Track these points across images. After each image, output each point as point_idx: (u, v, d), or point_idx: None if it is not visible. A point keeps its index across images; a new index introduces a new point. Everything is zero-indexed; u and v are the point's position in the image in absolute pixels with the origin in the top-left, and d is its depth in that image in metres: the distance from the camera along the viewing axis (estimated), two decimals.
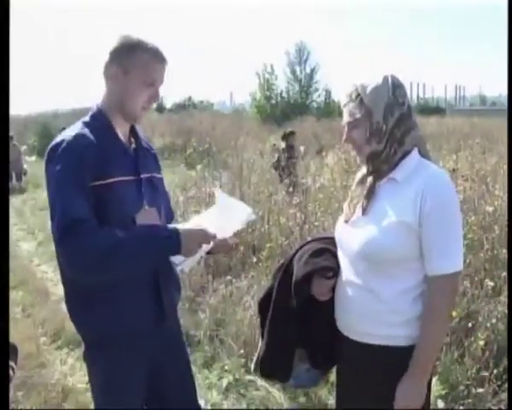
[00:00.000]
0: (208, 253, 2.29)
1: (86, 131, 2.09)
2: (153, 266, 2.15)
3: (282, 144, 10.74)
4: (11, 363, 1.53)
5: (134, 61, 2.10)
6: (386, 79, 2.00)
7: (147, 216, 2.17)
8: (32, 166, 18.23)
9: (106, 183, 2.05)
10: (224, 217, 2.21)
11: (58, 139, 2.06)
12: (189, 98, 41.46)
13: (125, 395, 2.23)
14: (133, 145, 2.28)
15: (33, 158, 20.81)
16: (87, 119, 2.17)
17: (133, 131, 2.30)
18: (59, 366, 4.35)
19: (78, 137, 2.05)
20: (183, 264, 2.20)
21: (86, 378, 4.15)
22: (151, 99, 2.18)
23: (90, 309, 2.14)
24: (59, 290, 6.39)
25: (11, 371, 1.53)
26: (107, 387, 2.23)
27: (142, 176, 2.22)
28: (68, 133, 2.08)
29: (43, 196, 12.74)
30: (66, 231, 1.92)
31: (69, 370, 4.32)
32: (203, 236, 2.10)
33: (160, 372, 2.34)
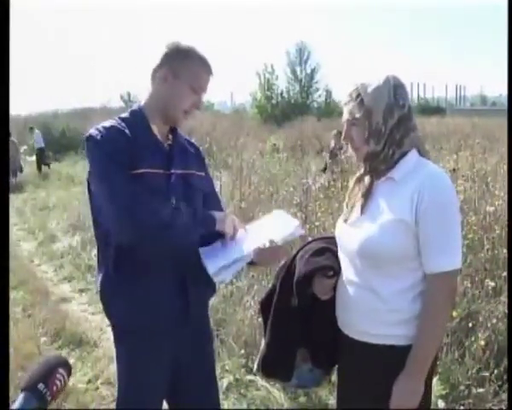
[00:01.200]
0: (251, 263, 2.31)
1: (121, 125, 2.19)
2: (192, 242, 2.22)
3: (332, 144, 10.51)
4: (62, 372, 1.58)
5: (185, 67, 2.19)
6: (387, 79, 2.00)
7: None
8: (33, 166, 18.26)
9: (134, 173, 2.11)
10: (268, 227, 2.31)
11: (93, 131, 2.17)
12: None
13: (145, 390, 2.27)
14: (169, 142, 2.33)
15: (33, 158, 20.81)
16: (126, 114, 2.28)
17: (172, 131, 2.36)
18: None
19: (112, 128, 2.16)
20: (220, 274, 2.21)
21: (86, 378, 4.19)
22: (193, 106, 2.26)
23: (117, 301, 2.23)
24: (59, 290, 6.41)
25: (61, 381, 1.58)
26: (127, 379, 2.29)
27: (172, 171, 2.26)
28: (102, 125, 2.18)
29: (43, 195, 12.77)
30: (126, 205, 2.03)
31: None
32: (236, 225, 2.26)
33: (182, 373, 2.37)
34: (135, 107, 2.31)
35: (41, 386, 1.44)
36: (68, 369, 1.59)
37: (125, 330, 2.27)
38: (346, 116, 2.06)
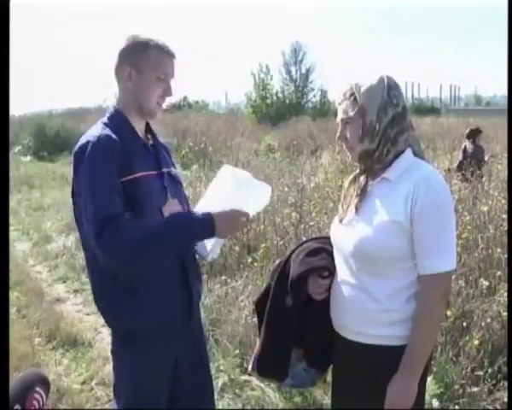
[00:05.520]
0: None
1: (108, 130, 2.15)
2: (188, 250, 2.24)
3: (467, 143, 9.73)
4: (39, 390, 1.56)
5: (146, 59, 2.18)
6: (381, 79, 2.00)
7: (172, 208, 2.25)
8: (27, 167, 18.16)
9: (133, 178, 2.12)
10: (242, 194, 2.26)
11: (83, 141, 2.12)
12: (185, 98, 41.32)
13: (150, 392, 2.27)
14: (150, 141, 2.35)
15: (28, 158, 20.73)
16: (105, 119, 2.24)
17: (148, 129, 2.37)
18: (54, 367, 4.33)
19: (103, 137, 2.11)
20: (211, 252, 2.28)
21: (81, 379, 4.18)
22: (165, 94, 2.25)
23: (119, 304, 2.20)
24: (54, 291, 6.39)
25: (38, 400, 1.56)
26: (132, 382, 2.28)
27: (163, 170, 2.30)
28: (91, 134, 2.13)
29: (37, 196, 12.72)
30: (103, 226, 1.99)
31: (64, 370, 4.30)
32: (237, 217, 2.17)
33: (180, 373, 2.37)
34: (111, 110, 2.28)
35: (17, 408, 1.41)
36: (47, 385, 1.56)
37: (129, 335, 2.25)
38: (340, 116, 2.06)
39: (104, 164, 2.06)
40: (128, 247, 2.00)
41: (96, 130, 2.17)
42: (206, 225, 2.09)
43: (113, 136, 2.13)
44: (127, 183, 2.10)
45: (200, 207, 2.31)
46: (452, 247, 1.95)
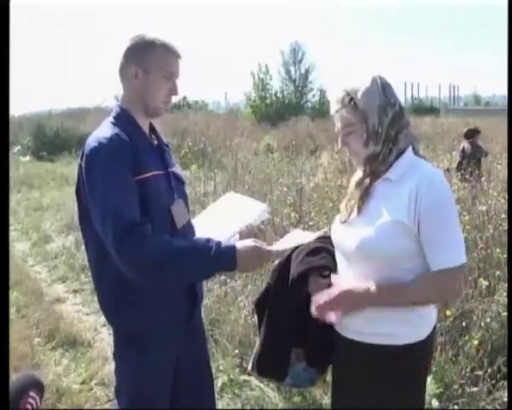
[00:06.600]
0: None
1: (117, 130, 2.14)
2: (207, 276, 2.24)
3: (466, 143, 9.78)
4: (33, 394, 1.56)
5: (152, 58, 2.18)
6: (374, 80, 2.00)
7: (179, 207, 2.27)
8: (26, 167, 18.15)
9: (143, 177, 2.12)
10: (232, 214, 2.35)
11: (94, 143, 2.09)
12: (184, 98, 41.23)
13: (152, 392, 2.27)
14: (155, 141, 2.35)
15: (27, 158, 20.71)
16: (112, 119, 2.22)
17: (152, 128, 2.37)
18: (53, 367, 4.34)
19: (115, 138, 2.10)
20: None
21: (80, 379, 4.18)
22: (170, 92, 2.26)
23: (123, 303, 2.20)
24: (53, 291, 6.38)
25: (32, 405, 1.56)
26: (134, 382, 2.27)
27: (169, 170, 2.31)
28: (102, 135, 2.11)
29: (37, 196, 12.71)
30: (125, 234, 1.97)
31: (63, 370, 4.30)
32: (260, 254, 2.08)
33: (181, 372, 2.38)
34: (117, 109, 2.26)
35: None
36: (41, 389, 1.55)
37: (132, 335, 2.25)
38: (340, 124, 2.05)
39: (119, 166, 2.05)
40: (148, 263, 2.00)
41: (105, 130, 2.15)
42: (229, 261, 2.03)
43: (124, 136, 2.12)
44: (138, 182, 2.10)
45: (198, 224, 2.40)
46: (461, 241, 1.99)
